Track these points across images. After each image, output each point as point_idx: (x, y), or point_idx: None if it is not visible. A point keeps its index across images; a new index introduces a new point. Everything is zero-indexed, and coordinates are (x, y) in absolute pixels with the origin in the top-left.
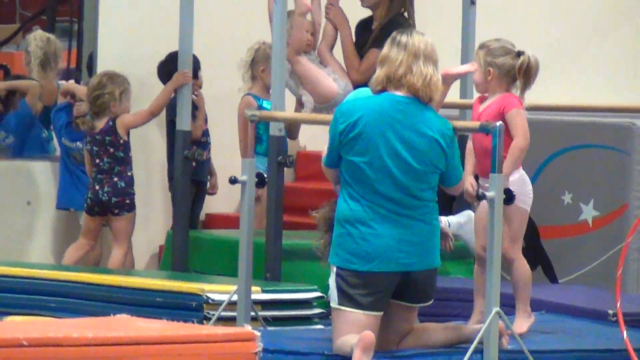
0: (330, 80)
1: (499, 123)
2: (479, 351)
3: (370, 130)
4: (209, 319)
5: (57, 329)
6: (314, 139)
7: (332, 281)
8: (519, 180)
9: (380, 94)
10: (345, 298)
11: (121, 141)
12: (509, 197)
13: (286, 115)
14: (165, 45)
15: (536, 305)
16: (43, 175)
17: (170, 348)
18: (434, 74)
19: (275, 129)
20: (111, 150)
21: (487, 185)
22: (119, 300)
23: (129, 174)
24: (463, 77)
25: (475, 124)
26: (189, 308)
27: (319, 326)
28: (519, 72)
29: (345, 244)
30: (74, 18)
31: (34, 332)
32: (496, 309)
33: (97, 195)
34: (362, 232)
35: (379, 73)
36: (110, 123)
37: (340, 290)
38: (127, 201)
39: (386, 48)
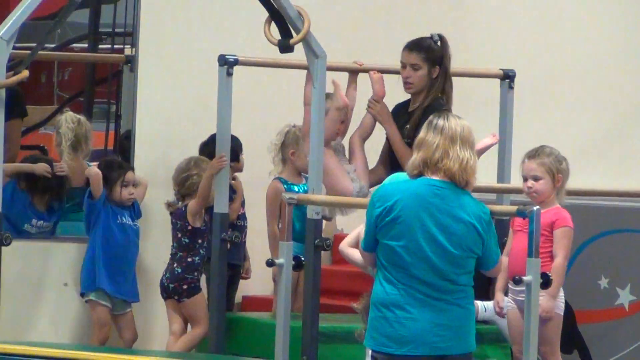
0: (348, 180)
1: (536, 208)
2: None
3: (407, 215)
4: None
5: None
6: (351, 222)
7: None
8: None
9: (417, 178)
10: None
11: (189, 227)
12: (546, 281)
13: (324, 198)
14: (202, 128)
15: None
16: (73, 256)
17: None
18: (471, 157)
19: (313, 212)
20: (179, 235)
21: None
22: None
23: (190, 259)
24: (485, 151)
25: (513, 208)
26: None
27: None
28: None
29: (380, 327)
30: (112, 100)
31: None
32: None
33: (162, 279)
34: (397, 315)
35: (416, 157)
36: (183, 209)
37: None
38: (185, 287)
39: (423, 132)
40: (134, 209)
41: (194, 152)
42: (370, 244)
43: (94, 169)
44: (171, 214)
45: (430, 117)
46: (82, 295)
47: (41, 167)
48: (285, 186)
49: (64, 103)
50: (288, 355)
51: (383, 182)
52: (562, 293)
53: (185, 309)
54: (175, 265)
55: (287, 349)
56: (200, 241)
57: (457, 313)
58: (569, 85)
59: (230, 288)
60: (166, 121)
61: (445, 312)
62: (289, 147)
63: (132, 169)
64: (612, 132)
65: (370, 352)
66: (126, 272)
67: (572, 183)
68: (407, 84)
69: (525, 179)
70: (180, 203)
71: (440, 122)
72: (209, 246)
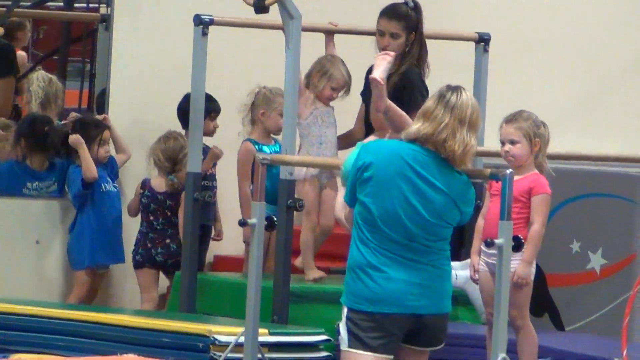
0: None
1: (509, 171)
2: None
3: (383, 175)
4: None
5: None
6: None
7: (342, 325)
8: None
9: (411, 142)
10: (356, 340)
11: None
12: (517, 244)
13: (297, 158)
14: (177, 88)
15: (543, 353)
16: (51, 214)
17: None
18: (475, 144)
19: (286, 173)
20: (169, 213)
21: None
22: (127, 340)
23: (180, 236)
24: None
25: (486, 171)
26: (195, 349)
27: None
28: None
29: (356, 287)
30: (87, 59)
31: None
32: (503, 355)
33: (150, 253)
34: (372, 275)
35: (421, 127)
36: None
37: (350, 332)
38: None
39: (432, 102)
40: (112, 171)
41: (169, 112)
42: (350, 197)
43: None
44: (169, 194)
45: (443, 89)
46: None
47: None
48: (256, 147)
49: (38, 61)
50: (259, 315)
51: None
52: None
53: (169, 281)
54: (169, 241)
55: (258, 308)
56: None
57: (433, 273)
58: (544, 50)
59: (200, 248)
60: (141, 80)
61: (420, 272)
62: (259, 107)
63: (109, 128)
64: (586, 97)
65: (345, 310)
66: (117, 237)
67: (550, 145)
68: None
69: (502, 143)
70: (176, 181)
71: (453, 98)
72: None
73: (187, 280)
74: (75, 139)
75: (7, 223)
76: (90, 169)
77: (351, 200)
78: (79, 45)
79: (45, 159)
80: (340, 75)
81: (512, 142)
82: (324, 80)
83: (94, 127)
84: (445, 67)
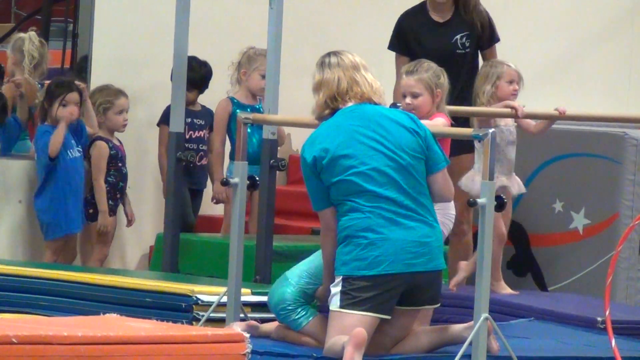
0: None
1: (491, 130)
2: (467, 356)
3: (342, 145)
4: (198, 320)
5: (46, 327)
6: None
7: (334, 287)
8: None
9: (333, 114)
10: (350, 302)
11: None
12: (500, 204)
13: (279, 118)
14: (160, 49)
15: (526, 312)
16: (28, 174)
17: (159, 348)
18: (376, 79)
19: (268, 132)
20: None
21: None
22: (109, 300)
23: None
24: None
25: (468, 130)
26: (178, 309)
27: None
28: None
29: (353, 253)
30: (69, 19)
31: (24, 330)
32: (485, 314)
33: None
34: (369, 238)
35: (319, 99)
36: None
37: (345, 294)
38: None
39: (317, 75)
40: (80, 135)
41: (151, 72)
42: (324, 197)
43: (58, 134)
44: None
45: (320, 60)
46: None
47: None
48: (236, 106)
49: (21, 21)
50: (242, 274)
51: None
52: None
53: None
54: None
55: (241, 268)
56: None
57: (426, 230)
58: (526, 8)
59: (187, 211)
60: (123, 41)
61: (414, 230)
62: (242, 67)
63: (80, 92)
64: (569, 55)
65: (340, 279)
66: (77, 202)
67: (530, 106)
68: None
69: (404, 96)
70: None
71: (333, 59)
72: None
73: (169, 241)
74: (61, 112)
75: None
76: (54, 145)
77: (325, 201)
78: (61, 4)
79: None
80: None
81: (414, 95)
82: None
83: (58, 86)
84: None
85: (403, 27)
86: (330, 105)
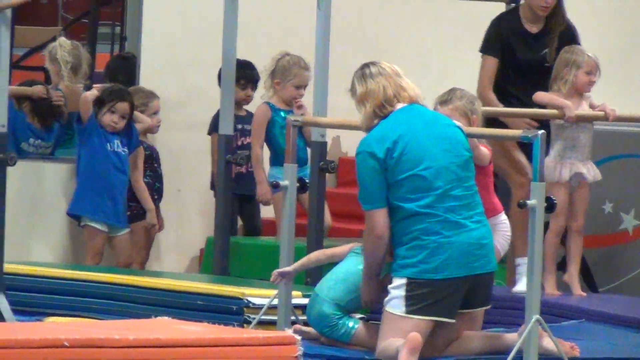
0: None
1: (540, 132)
2: (519, 358)
3: (411, 141)
4: (249, 323)
5: (98, 330)
6: (356, 145)
7: (394, 288)
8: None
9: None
10: (415, 306)
11: None
12: (550, 205)
13: (327, 120)
14: (208, 50)
15: (576, 314)
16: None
17: (211, 351)
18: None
19: (318, 135)
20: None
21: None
22: (160, 303)
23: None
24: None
25: (518, 132)
26: (229, 312)
27: None
28: None
29: (419, 256)
30: (117, 22)
31: (76, 333)
32: (536, 316)
33: None
34: (436, 242)
35: (366, 110)
36: None
37: (409, 298)
38: None
39: (359, 87)
40: (130, 139)
41: (199, 74)
42: (383, 196)
43: (86, 93)
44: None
45: (357, 73)
46: (68, 215)
47: (37, 90)
48: (273, 112)
49: (68, 24)
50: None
51: (364, 139)
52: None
53: None
54: None
55: None
56: None
57: (483, 231)
58: (574, 8)
59: (246, 215)
60: (171, 43)
61: (475, 231)
62: (276, 76)
63: (132, 103)
64: (618, 56)
65: (402, 282)
66: (112, 197)
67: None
68: (545, 8)
69: None
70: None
71: (373, 69)
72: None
73: (220, 244)
74: (84, 95)
75: (33, 185)
76: (82, 109)
77: (382, 198)
78: (109, 7)
79: (43, 122)
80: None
81: None
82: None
83: (111, 93)
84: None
85: (498, 31)
86: (379, 113)
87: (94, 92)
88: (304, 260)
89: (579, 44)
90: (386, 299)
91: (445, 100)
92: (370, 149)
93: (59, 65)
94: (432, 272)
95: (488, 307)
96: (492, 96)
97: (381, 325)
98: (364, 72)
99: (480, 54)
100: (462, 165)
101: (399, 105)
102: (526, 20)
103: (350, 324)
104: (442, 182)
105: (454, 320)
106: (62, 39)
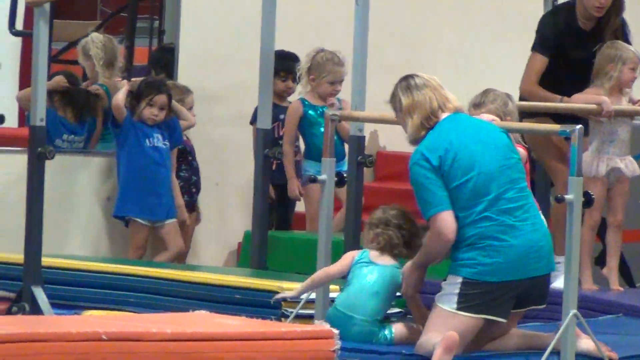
0: None
1: (578, 127)
2: (556, 353)
3: (462, 147)
4: (286, 317)
5: (136, 323)
6: (394, 140)
7: (448, 285)
8: None
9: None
10: (468, 304)
11: None
12: (588, 200)
13: (365, 114)
14: (247, 44)
15: (613, 309)
16: (113, 170)
17: (248, 344)
18: None
19: (356, 129)
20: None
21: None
22: (198, 297)
23: None
24: None
25: (556, 126)
26: (267, 305)
27: None
28: None
29: (477, 258)
30: (155, 16)
31: (114, 327)
32: (573, 311)
33: None
34: (494, 245)
35: (413, 122)
36: None
37: (463, 296)
38: None
39: (405, 99)
40: (172, 133)
41: (238, 67)
42: (446, 195)
43: (116, 97)
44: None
45: (401, 84)
46: (114, 217)
47: (58, 81)
48: (307, 107)
49: (107, 18)
50: None
51: (416, 151)
52: None
53: None
54: None
55: (329, 264)
56: None
57: (540, 234)
58: None
59: (281, 208)
60: (210, 36)
61: (532, 234)
62: (311, 72)
63: (169, 94)
64: None
65: (459, 280)
66: (157, 193)
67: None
68: (599, 9)
69: None
70: None
71: (418, 80)
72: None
73: (257, 238)
74: (116, 95)
75: (70, 179)
76: (114, 108)
77: (446, 201)
78: (147, 1)
79: (77, 113)
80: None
81: None
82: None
83: (148, 86)
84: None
85: (553, 28)
86: (426, 125)
87: (124, 92)
88: (308, 282)
89: (630, 42)
90: (438, 294)
91: (478, 103)
92: (424, 158)
93: (92, 62)
94: (488, 275)
95: (542, 306)
96: (539, 89)
97: (429, 319)
98: (409, 83)
99: (532, 51)
100: (512, 167)
101: (444, 115)
102: (581, 16)
103: (387, 331)
104: (495, 186)
105: (505, 320)
106: (95, 34)
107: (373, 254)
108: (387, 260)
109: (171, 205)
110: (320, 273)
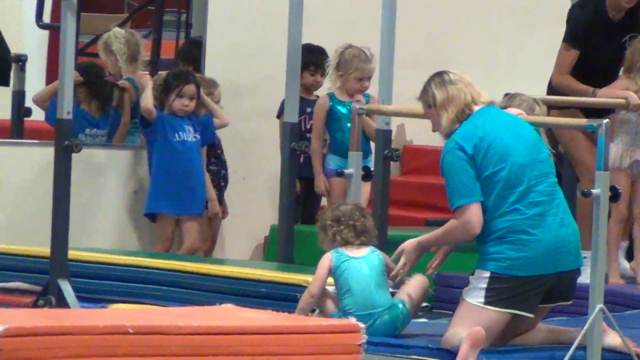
0: None
1: (605, 121)
2: (582, 348)
3: (497, 137)
4: (313, 311)
5: (162, 317)
6: (421, 134)
7: (475, 279)
8: None
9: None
10: (496, 298)
11: None
12: (614, 194)
13: (393, 108)
14: (274, 38)
15: None
16: (141, 164)
17: (275, 338)
18: None
19: (383, 123)
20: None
21: None
22: (224, 290)
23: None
24: None
25: (583, 121)
26: (293, 299)
27: (423, 319)
28: None
29: (505, 252)
30: (182, 9)
31: (140, 320)
32: (600, 305)
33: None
34: (523, 239)
35: (448, 116)
36: None
37: (491, 290)
38: None
39: (439, 94)
40: (204, 128)
41: (265, 61)
42: (477, 187)
43: (145, 100)
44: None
45: (434, 80)
46: (145, 216)
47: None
48: (334, 103)
49: (134, 11)
50: None
51: (449, 140)
52: None
53: None
54: None
55: None
56: None
57: (570, 229)
58: None
59: (308, 202)
60: (237, 30)
61: (561, 229)
62: (339, 68)
63: (197, 84)
64: None
65: (487, 275)
66: (189, 187)
67: None
68: (630, 0)
69: None
70: None
71: (452, 76)
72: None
73: (284, 231)
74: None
75: (95, 172)
76: (143, 108)
77: (477, 191)
78: None
79: (101, 106)
80: None
81: None
82: None
83: (175, 77)
84: None
85: (583, 20)
86: (460, 118)
87: (150, 93)
88: (302, 305)
89: None
90: (466, 288)
91: (504, 107)
92: (458, 146)
93: (115, 57)
94: (516, 269)
95: (569, 302)
96: (572, 81)
97: (456, 312)
98: (443, 78)
99: (563, 42)
100: (544, 161)
101: (476, 108)
102: (610, 7)
103: (401, 305)
104: (526, 177)
105: (532, 315)
106: (116, 29)
107: (348, 250)
108: (363, 250)
109: (201, 200)
110: (306, 298)
